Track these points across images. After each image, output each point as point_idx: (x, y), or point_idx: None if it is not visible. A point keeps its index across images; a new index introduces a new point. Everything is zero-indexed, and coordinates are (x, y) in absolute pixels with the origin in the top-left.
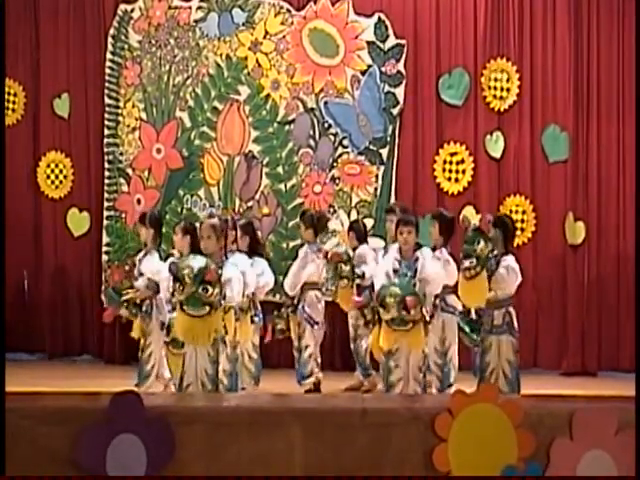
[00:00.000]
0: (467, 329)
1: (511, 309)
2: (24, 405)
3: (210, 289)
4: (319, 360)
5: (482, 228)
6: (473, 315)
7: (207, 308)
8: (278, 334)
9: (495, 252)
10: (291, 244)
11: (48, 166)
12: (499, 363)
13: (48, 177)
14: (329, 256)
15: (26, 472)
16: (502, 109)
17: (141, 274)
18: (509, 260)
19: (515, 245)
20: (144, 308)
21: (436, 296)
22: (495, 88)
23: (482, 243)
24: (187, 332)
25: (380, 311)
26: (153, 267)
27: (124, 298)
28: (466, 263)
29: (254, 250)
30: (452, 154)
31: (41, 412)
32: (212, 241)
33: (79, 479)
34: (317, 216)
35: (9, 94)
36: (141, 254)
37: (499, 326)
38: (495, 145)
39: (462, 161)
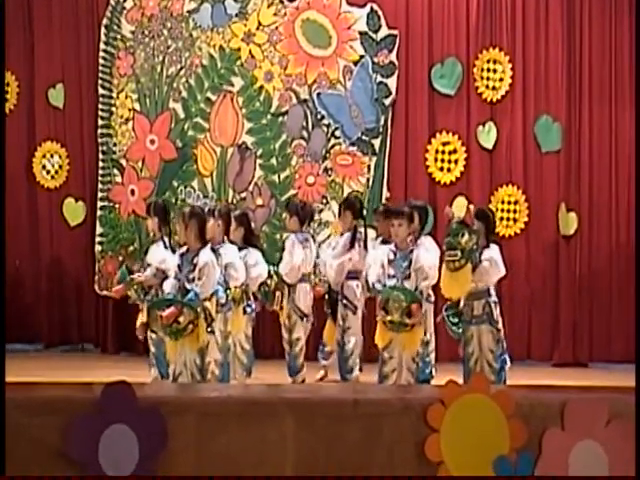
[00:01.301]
0: (452, 321)
1: (491, 300)
2: (16, 396)
3: None
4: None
5: (466, 221)
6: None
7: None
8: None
9: (478, 244)
10: (285, 235)
11: (44, 156)
12: (482, 353)
13: (44, 167)
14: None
15: (18, 464)
16: (495, 99)
17: (148, 264)
18: (492, 252)
19: (507, 236)
20: (148, 297)
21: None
22: (488, 78)
23: (466, 236)
24: None
25: (381, 313)
26: (159, 256)
27: (134, 281)
28: (450, 255)
29: (248, 241)
30: (444, 144)
31: (33, 403)
32: (181, 230)
33: (79, 479)
34: (301, 205)
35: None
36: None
37: (479, 316)
38: (487, 136)
39: (454, 151)
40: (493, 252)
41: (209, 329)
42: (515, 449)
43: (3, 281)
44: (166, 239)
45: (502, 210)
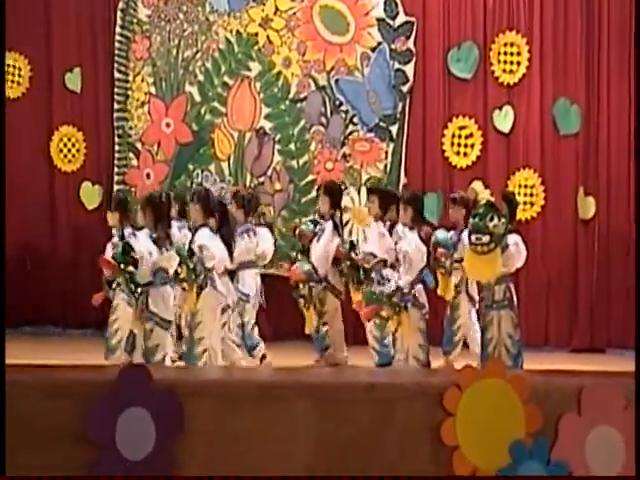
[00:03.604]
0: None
1: (511, 284)
2: (32, 378)
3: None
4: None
5: (496, 204)
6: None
7: None
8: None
9: (507, 228)
10: (304, 220)
11: (61, 140)
12: (500, 338)
13: (61, 151)
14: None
15: (36, 446)
16: (512, 82)
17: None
18: (516, 237)
19: (524, 220)
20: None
21: (371, 269)
22: (505, 62)
23: (496, 219)
24: None
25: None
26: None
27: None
28: (478, 239)
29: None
30: (461, 128)
31: (48, 385)
32: (139, 215)
33: (80, 479)
34: (248, 197)
35: (13, 67)
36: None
37: (500, 301)
38: (504, 119)
39: (471, 135)
40: (517, 237)
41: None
42: (531, 434)
43: (3, 277)
44: (129, 230)
45: (519, 194)
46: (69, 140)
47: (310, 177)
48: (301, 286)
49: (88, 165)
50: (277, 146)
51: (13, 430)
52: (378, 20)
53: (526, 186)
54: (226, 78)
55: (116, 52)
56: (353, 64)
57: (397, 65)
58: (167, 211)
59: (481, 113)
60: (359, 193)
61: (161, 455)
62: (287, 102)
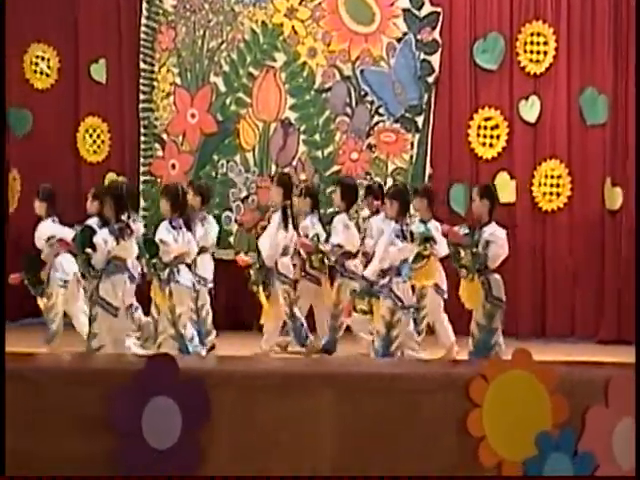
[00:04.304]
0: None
1: (490, 276)
2: (57, 366)
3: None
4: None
5: (455, 241)
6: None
7: None
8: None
9: (476, 254)
10: (328, 210)
11: (87, 131)
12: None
13: (87, 142)
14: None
15: (62, 434)
16: (538, 72)
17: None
18: (494, 231)
19: (550, 210)
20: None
21: (336, 260)
22: (531, 52)
23: (462, 253)
24: None
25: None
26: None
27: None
28: (459, 270)
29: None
30: (486, 119)
31: (75, 373)
32: (94, 205)
33: (80, 479)
34: (205, 186)
35: (42, 59)
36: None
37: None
38: (530, 109)
39: (497, 126)
40: (495, 230)
41: None
42: (557, 425)
43: (3, 277)
44: (56, 219)
45: (545, 184)
46: (94, 131)
47: (335, 167)
48: (251, 273)
49: (113, 156)
50: (302, 136)
51: (39, 417)
52: (404, 10)
53: (552, 177)
54: (251, 69)
55: (142, 43)
56: (378, 54)
57: (423, 56)
58: (127, 202)
59: (507, 104)
60: (385, 184)
61: (187, 445)
62: (312, 92)
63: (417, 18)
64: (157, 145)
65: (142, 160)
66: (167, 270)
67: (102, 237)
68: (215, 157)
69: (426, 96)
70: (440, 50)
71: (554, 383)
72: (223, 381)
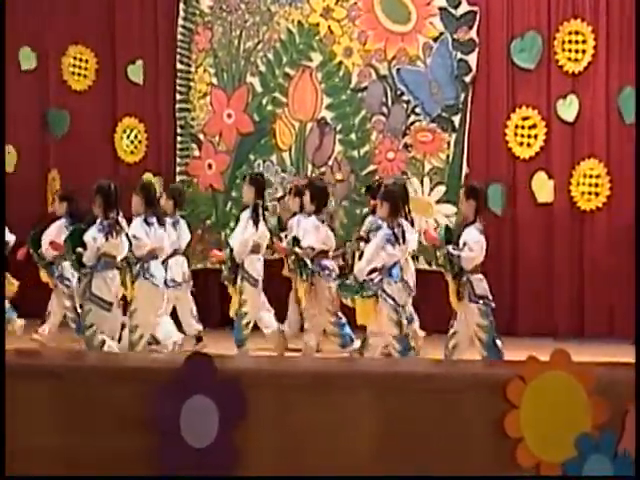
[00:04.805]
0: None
1: (473, 276)
2: (97, 364)
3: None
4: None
5: (430, 241)
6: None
7: None
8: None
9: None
10: (365, 210)
11: (124, 131)
12: (470, 330)
13: (124, 142)
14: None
15: (101, 432)
16: (576, 71)
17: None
18: (471, 235)
19: (588, 210)
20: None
21: (312, 260)
22: (569, 50)
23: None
24: None
25: None
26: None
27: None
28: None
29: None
30: (524, 118)
31: (116, 371)
32: (62, 206)
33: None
34: (178, 190)
35: (80, 60)
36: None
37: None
38: (568, 109)
39: (534, 125)
40: (473, 233)
41: None
42: (597, 426)
43: (3, 274)
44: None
45: (584, 184)
46: (131, 131)
47: (371, 167)
48: (223, 268)
49: (149, 156)
50: (338, 136)
51: (80, 415)
52: (440, 9)
53: (591, 176)
54: (287, 69)
55: (178, 44)
56: (415, 54)
57: (460, 55)
58: (115, 200)
59: (545, 103)
60: (422, 184)
61: (224, 444)
62: (348, 92)
63: (454, 17)
64: (194, 145)
65: (178, 160)
66: (138, 265)
67: (91, 235)
68: (251, 157)
69: (463, 95)
70: (477, 49)
71: (593, 384)
72: (260, 381)
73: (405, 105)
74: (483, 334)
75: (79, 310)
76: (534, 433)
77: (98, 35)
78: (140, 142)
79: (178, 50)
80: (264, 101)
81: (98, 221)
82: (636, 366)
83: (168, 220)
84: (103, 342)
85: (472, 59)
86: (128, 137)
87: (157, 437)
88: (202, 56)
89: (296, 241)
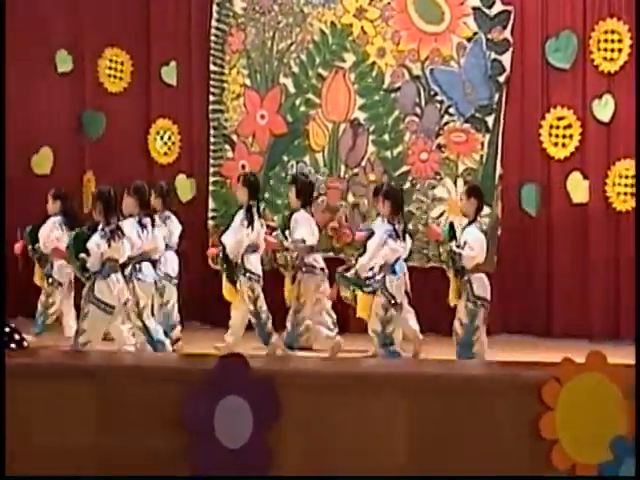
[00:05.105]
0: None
1: (472, 276)
2: (133, 364)
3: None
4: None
5: (434, 237)
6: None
7: None
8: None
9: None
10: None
11: (157, 133)
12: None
13: (157, 144)
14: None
15: (135, 431)
16: (612, 71)
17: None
18: (471, 234)
19: (624, 211)
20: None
21: (296, 256)
22: (605, 50)
23: (441, 249)
24: None
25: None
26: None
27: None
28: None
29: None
30: (559, 119)
31: (149, 372)
32: (55, 205)
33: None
34: (167, 188)
35: (116, 62)
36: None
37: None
38: (604, 109)
39: (569, 126)
40: (473, 233)
41: None
42: (632, 429)
43: (3, 274)
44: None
45: (619, 184)
46: (165, 133)
47: (404, 168)
48: (218, 262)
49: (183, 157)
50: (371, 137)
51: (116, 415)
52: (474, 9)
53: (627, 177)
54: (320, 69)
55: (212, 45)
56: (448, 54)
57: (493, 55)
58: (116, 205)
59: (580, 103)
60: (455, 184)
61: (257, 444)
62: (381, 92)
63: (488, 17)
64: (227, 146)
65: (212, 161)
66: (130, 266)
67: (94, 242)
68: (285, 158)
69: (497, 96)
70: (511, 49)
71: (628, 386)
72: (294, 381)
73: (438, 105)
74: (461, 331)
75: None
76: (569, 435)
77: (133, 37)
78: (174, 143)
79: (211, 52)
80: (297, 102)
81: (100, 227)
82: (636, 366)
83: (158, 218)
84: (88, 342)
85: (506, 59)
86: (162, 138)
87: (191, 437)
88: (235, 57)
89: (284, 236)
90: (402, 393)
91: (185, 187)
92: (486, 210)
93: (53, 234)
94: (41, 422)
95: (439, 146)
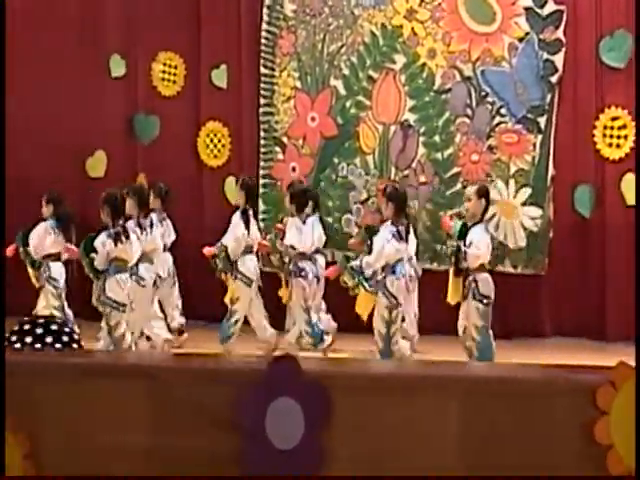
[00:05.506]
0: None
1: (479, 275)
2: (185, 365)
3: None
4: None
5: (445, 229)
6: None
7: None
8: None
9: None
10: (449, 212)
11: (207, 135)
12: (468, 326)
13: (207, 146)
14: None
15: (186, 431)
16: None
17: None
18: (476, 234)
19: None
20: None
21: (289, 261)
22: None
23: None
24: None
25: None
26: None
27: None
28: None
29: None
30: (613, 119)
31: (204, 373)
32: (48, 208)
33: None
34: (165, 189)
35: (169, 66)
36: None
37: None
38: None
39: (624, 126)
40: (478, 232)
41: None
42: None
43: (3, 273)
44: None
45: None
46: (215, 135)
47: (455, 169)
48: (217, 262)
49: (232, 160)
50: (421, 138)
51: (167, 413)
52: (526, 9)
53: None
54: (371, 71)
55: (262, 48)
56: (500, 54)
57: (546, 55)
58: (123, 208)
59: (635, 103)
60: (507, 186)
61: (309, 445)
62: (432, 94)
63: (540, 17)
64: (277, 148)
65: (262, 163)
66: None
67: (100, 241)
68: (335, 160)
69: (549, 96)
70: (564, 49)
71: None
72: (346, 383)
73: (490, 106)
74: (477, 335)
75: (67, 310)
76: (625, 440)
77: (185, 41)
78: (223, 146)
79: (262, 54)
80: (348, 104)
81: (107, 228)
82: (636, 366)
83: (155, 218)
84: (123, 334)
85: (559, 59)
86: (212, 141)
87: (243, 438)
88: (286, 60)
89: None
90: (453, 395)
91: (234, 189)
92: (538, 212)
93: (48, 238)
94: (98, 421)
95: (490, 147)
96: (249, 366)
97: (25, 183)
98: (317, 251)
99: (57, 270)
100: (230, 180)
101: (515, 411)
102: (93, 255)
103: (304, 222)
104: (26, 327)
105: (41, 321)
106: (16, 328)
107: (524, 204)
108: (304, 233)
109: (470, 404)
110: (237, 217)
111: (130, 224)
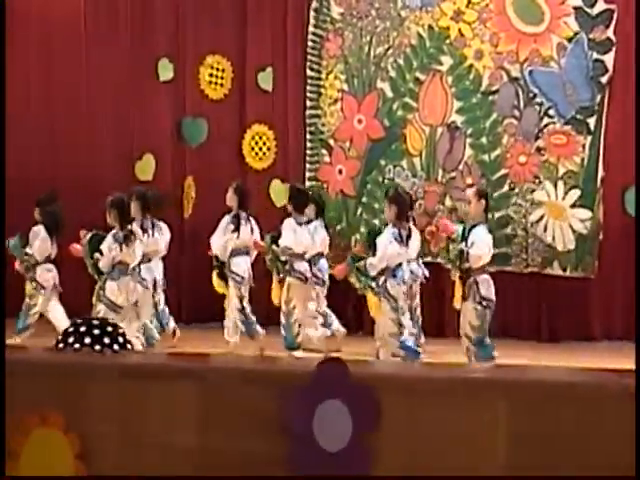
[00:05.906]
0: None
1: (479, 276)
2: (234, 366)
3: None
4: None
5: (447, 233)
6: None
7: None
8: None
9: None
10: (497, 215)
11: (252, 138)
12: (464, 327)
13: (252, 149)
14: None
15: (234, 431)
16: None
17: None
18: (478, 235)
19: None
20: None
21: (285, 262)
22: None
23: (451, 247)
24: None
25: None
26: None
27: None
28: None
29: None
30: None
31: (253, 375)
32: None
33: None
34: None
35: (217, 69)
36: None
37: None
38: None
39: None
40: (480, 233)
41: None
42: None
43: (3, 274)
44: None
45: None
46: (260, 138)
47: (502, 171)
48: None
49: (278, 163)
50: (469, 140)
51: (217, 415)
52: (575, 9)
53: None
54: (418, 73)
55: (309, 51)
56: (548, 55)
57: (595, 55)
58: (129, 212)
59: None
60: (555, 188)
61: (357, 447)
62: (479, 95)
63: (589, 16)
64: (324, 151)
65: (308, 166)
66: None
67: (107, 245)
68: (382, 162)
69: (599, 97)
70: (614, 49)
71: None
72: (394, 386)
73: (538, 107)
74: (472, 333)
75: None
76: None
77: (231, 44)
78: (269, 149)
79: (309, 57)
80: (394, 106)
81: (114, 232)
82: (636, 366)
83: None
84: None
85: (609, 59)
86: (257, 144)
87: (290, 440)
88: (333, 62)
89: (273, 240)
90: (503, 396)
91: (280, 192)
92: (587, 214)
93: (45, 244)
94: (148, 422)
95: (538, 149)
96: (297, 368)
97: (75, 184)
98: (322, 255)
99: (46, 273)
100: (275, 183)
101: (568, 415)
102: (97, 256)
103: (300, 224)
104: (82, 329)
105: (96, 322)
106: (71, 329)
107: (573, 206)
108: (299, 234)
109: (521, 409)
110: (226, 221)
111: (134, 227)
